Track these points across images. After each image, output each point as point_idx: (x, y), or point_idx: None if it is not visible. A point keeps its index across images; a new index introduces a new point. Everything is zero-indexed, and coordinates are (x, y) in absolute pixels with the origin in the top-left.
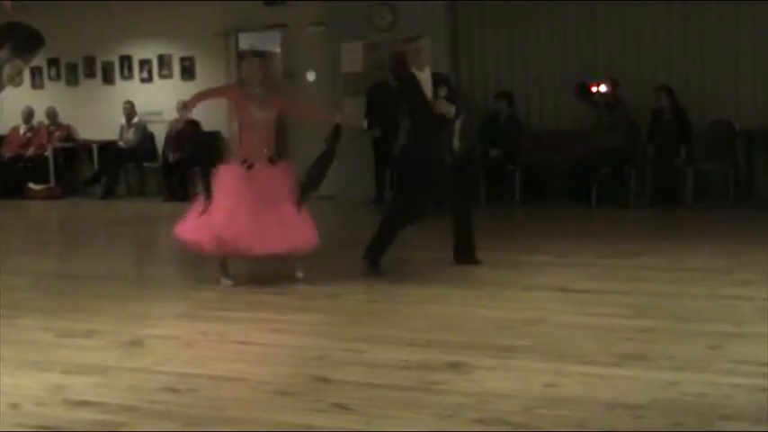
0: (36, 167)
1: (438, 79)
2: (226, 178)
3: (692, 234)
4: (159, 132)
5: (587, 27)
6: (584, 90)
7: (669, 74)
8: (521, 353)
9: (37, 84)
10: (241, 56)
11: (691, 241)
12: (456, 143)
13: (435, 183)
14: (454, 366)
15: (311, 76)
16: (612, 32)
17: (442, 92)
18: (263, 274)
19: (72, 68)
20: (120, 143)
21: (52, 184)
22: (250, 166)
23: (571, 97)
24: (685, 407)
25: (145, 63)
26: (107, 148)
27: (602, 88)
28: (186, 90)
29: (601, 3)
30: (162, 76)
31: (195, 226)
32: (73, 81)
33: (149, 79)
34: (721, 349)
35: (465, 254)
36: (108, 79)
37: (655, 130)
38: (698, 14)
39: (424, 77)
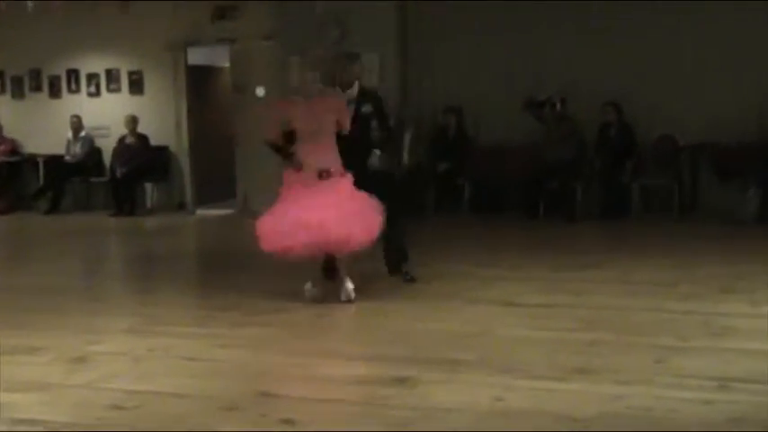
0: None
1: (365, 97)
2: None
3: (638, 248)
4: (107, 147)
5: (536, 42)
6: (531, 105)
7: (616, 89)
8: (468, 367)
9: None
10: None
11: (637, 255)
12: (405, 157)
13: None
14: (402, 381)
15: (260, 92)
16: (560, 48)
17: (366, 108)
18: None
19: (18, 81)
20: (67, 157)
21: None
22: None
23: (520, 111)
24: (632, 420)
25: (92, 77)
26: (53, 162)
27: (558, 105)
28: (134, 104)
29: (548, 18)
30: (110, 90)
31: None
32: (18, 94)
33: (97, 93)
34: (666, 363)
35: (392, 268)
36: (55, 93)
37: (602, 145)
38: (643, 30)
39: (345, 96)
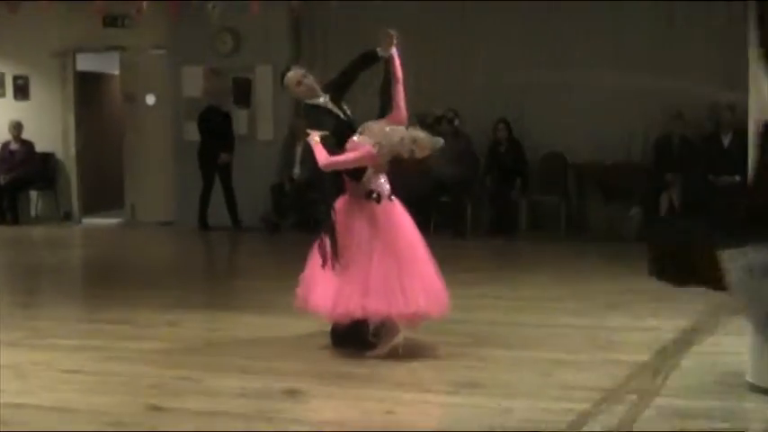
0: None
1: None
2: None
3: (526, 264)
4: None
5: (427, 58)
6: (425, 121)
7: (506, 106)
8: (359, 381)
9: None
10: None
11: (525, 271)
12: (297, 169)
13: None
14: (292, 394)
15: (150, 100)
16: (451, 64)
17: None
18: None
19: None
20: None
21: None
22: None
23: (412, 128)
24: None
25: None
26: None
27: (456, 122)
28: (19, 110)
29: (439, 34)
30: None
31: None
32: None
33: None
34: (553, 376)
35: None
36: None
37: (492, 162)
38: (533, 49)
39: None
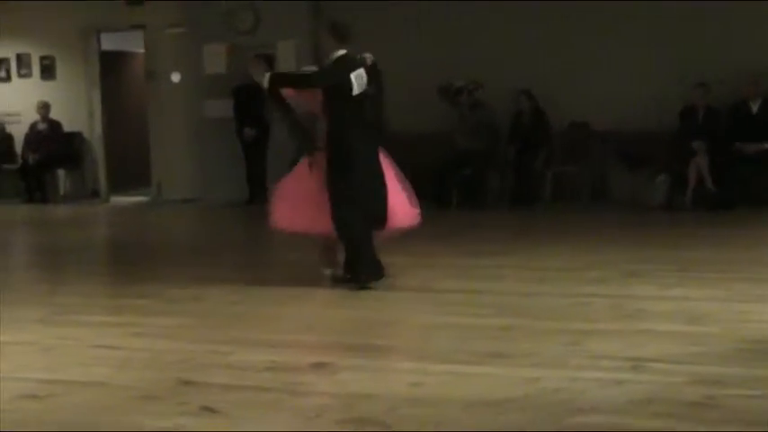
0: None
1: None
2: None
3: (550, 234)
4: (18, 133)
5: (449, 29)
6: (448, 92)
7: (528, 76)
8: (384, 353)
9: None
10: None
11: (548, 241)
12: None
13: None
14: (319, 367)
15: (176, 77)
16: (473, 35)
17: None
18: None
19: None
20: None
21: None
22: None
23: (433, 100)
24: (545, 402)
25: (2, 61)
26: None
27: (480, 90)
28: (46, 90)
29: (462, 5)
30: (21, 76)
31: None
32: None
33: (7, 78)
34: (578, 345)
35: None
36: None
37: (515, 133)
38: (557, 18)
39: None
